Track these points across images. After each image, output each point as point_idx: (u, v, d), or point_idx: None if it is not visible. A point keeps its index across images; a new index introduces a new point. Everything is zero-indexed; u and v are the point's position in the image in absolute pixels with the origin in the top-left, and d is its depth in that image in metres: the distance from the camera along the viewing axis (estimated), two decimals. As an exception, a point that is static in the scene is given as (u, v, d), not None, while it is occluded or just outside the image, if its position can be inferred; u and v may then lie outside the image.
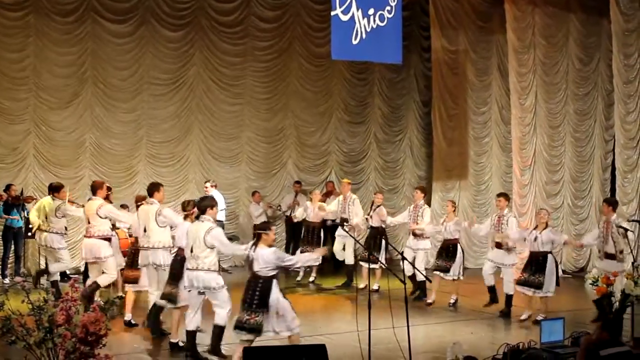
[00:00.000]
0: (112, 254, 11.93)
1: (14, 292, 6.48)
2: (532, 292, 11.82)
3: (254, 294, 8.66)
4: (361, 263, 14.41)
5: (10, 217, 14.91)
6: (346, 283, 14.97)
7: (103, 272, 11.82)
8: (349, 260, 15.13)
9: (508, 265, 12.66)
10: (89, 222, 11.91)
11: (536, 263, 11.79)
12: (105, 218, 11.77)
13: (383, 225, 14.34)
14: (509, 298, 12.57)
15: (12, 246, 15.14)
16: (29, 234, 14.67)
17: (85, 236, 12.04)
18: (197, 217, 9.74)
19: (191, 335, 9.50)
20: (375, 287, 13.76)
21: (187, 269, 9.54)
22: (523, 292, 11.99)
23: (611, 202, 12.25)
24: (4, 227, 15.10)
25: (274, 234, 9.08)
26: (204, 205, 9.68)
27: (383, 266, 13.33)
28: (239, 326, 8.68)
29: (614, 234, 11.68)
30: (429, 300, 13.16)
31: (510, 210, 13.42)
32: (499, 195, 13.36)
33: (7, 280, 14.83)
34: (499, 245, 12.69)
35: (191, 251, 9.50)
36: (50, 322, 6.20)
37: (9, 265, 15.16)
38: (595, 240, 12.15)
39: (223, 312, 9.43)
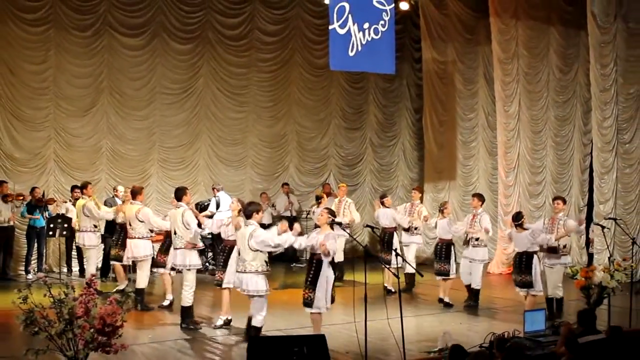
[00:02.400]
0: (152, 253, 12.05)
1: (37, 287, 6.47)
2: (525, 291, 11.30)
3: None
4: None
5: (33, 217, 14.97)
6: (337, 277, 14.68)
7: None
8: (339, 257, 14.96)
9: (478, 261, 12.67)
10: (130, 225, 12.01)
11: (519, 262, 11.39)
12: (142, 222, 11.88)
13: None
14: (476, 292, 12.59)
15: (35, 244, 15.17)
16: (50, 233, 14.72)
17: (127, 237, 12.17)
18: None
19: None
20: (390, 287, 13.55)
21: (236, 270, 9.57)
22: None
23: (564, 200, 12.23)
24: (27, 227, 15.14)
25: None
26: (250, 210, 9.59)
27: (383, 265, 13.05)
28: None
29: (560, 229, 11.62)
30: (447, 300, 12.61)
31: (484, 209, 13.37)
32: (473, 195, 13.35)
33: (30, 276, 14.86)
34: (468, 242, 12.76)
35: (238, 254, 9.59)
36: (70, 315, 6.22)
37: (32, 262, 15.19)
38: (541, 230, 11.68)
39: (258, 317, 9.44)
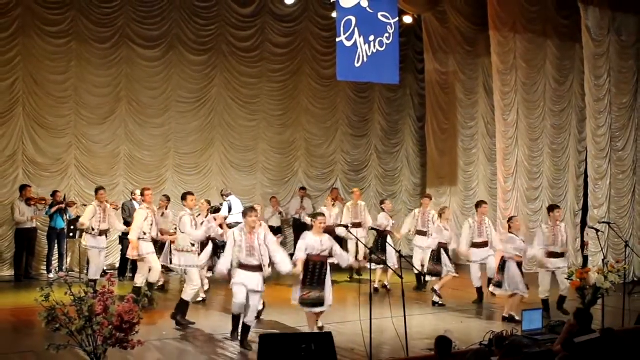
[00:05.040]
0: (153, 251, 12.11)
1: (57, 286, 6.48)
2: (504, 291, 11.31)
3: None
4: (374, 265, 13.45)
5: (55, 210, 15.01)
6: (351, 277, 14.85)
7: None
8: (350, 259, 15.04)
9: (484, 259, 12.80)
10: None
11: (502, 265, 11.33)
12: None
13: (388, 229, 14.13)
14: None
15: (56, 245, 15.21)
16: (71, 234, 14.76)
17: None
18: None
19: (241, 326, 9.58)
20: (386, 284, 13.81)
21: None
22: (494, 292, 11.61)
23: (559, 209, 12.28)
24: (48, 229, 15.18)
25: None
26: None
27: (386, 266, 13.15)
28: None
29: (562, 235, 11.64)
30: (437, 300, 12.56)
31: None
32: (484, 203, 13.40)
33: (51, 275, 14.90)
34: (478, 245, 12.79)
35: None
36: (89, 312, 6.22)
37: (53, 262, 15.23)
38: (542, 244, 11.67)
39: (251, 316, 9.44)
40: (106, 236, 13.41)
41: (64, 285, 6.38)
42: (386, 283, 13.75)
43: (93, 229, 13.05)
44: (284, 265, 9.53)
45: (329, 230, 14.51)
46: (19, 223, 14.67)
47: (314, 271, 9.55)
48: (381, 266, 13.49)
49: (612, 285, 10.21)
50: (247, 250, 9.40)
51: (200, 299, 12.38)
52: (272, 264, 9.62)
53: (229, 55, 17.67)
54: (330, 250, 9.75)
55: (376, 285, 13.38)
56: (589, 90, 15.33)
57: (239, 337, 9.47)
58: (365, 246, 12.92)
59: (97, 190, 13.43)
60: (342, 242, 15.57)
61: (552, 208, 12.16)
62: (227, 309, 11.85)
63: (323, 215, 10.15)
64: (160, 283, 13.39)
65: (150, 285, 12.13)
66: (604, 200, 15.29)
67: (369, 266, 9.47)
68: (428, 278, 13.11)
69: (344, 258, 10.13)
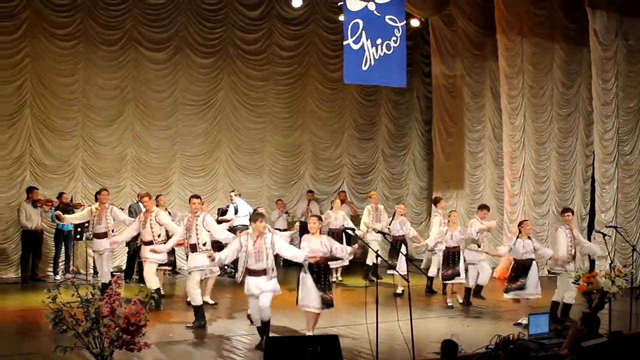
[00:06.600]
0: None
1: (64, 288, 6.49)
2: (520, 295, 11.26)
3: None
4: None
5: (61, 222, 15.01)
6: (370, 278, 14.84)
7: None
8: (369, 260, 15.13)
9: (480, 261, 12.92)
10: None
11: (522, 269, 11.22)
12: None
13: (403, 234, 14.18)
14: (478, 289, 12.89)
15: (63, 247, 15.23)
16: (77, 236, 14.77)
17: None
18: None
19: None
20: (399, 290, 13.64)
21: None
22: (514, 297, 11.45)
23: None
24: (55, 231, 15.19)
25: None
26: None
27: (396, 271, 12.97)
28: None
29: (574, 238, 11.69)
30: (450, 304, 12.63)
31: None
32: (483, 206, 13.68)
33: (58, 277, 14.91)
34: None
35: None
36: (96, 314, 6.24)
37: (60, 264, 15.25)
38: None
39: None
40: (100, 238, 12.58)
41: (71, 287, 6.39)
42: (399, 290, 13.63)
43: (112, 231, 12.89)
44: (298, 257, 9.61)
45: (336, 232, 14.67)
46: (25, 225, 14.70)
47: (319, 273, 9.66)
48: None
49: (619, 290, 10.18)
50: (256, 256, 9.50)
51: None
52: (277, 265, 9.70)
53: (236, 58, 17.69)
54: (330, 251, 9.82)
55: (398, 291, 13.43)
56: (596, 94, 15.31)
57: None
58: (372, 249, 12.88)
59: (100, 192, 13.45)
60: (349, 242, 15.61)
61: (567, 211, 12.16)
62: (232, 311, 11.87)
63: (316, 216, 10.24)
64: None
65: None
66: (611, 204, 15.27)
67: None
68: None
69: (345, 253, 10.19)
